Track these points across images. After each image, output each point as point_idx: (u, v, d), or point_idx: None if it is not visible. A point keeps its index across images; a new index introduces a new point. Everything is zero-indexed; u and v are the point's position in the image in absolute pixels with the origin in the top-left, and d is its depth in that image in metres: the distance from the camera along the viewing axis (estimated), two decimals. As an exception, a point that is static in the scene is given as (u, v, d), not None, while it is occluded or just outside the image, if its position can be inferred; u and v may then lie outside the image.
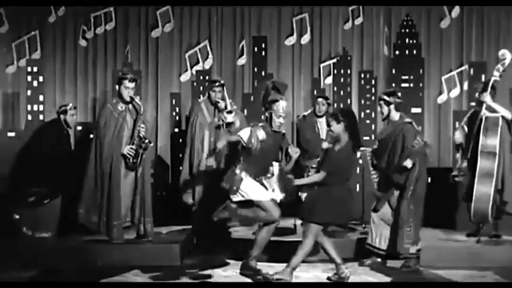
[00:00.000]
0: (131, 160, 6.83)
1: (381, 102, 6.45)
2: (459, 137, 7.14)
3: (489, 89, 6.69)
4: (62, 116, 7.54)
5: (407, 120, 6.44)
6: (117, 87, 7.03)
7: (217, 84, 7.67)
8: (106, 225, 6.84)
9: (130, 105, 6.98)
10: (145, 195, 6.97)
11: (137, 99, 6.99)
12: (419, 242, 6.40)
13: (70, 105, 7.69)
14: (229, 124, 7.48)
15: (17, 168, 7.71)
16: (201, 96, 8.47)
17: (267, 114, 6.13)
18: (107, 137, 6.84)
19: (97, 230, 6.91)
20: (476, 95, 7.23)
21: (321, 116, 8.28)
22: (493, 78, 6.72)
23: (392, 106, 6.40)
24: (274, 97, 6.08)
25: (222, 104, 7.53)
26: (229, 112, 7.48)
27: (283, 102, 6.09)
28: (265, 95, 6.17)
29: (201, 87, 9.43)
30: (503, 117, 6.78)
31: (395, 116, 6.41)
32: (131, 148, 6.83)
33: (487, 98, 6.70)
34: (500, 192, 6.87)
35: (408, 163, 6.21)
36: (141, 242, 6.94)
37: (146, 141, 6.87)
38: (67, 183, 7.35)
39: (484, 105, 6.75)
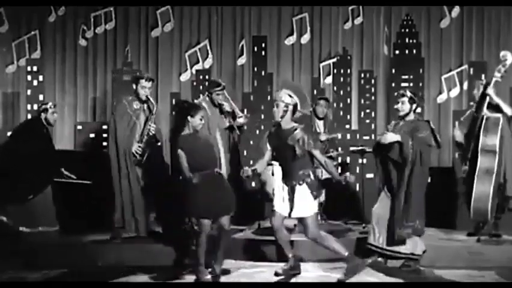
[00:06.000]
0: (137, 157, 6.94)
1: (405, 98, 6.43)
2: (459, 134, 7.16)
3: (492, 84, 6.68)
4: (43, 114, 7.54)
5: (425, 119, 6.49)
6: (133, 86, 7.04)
7: (221, 87, 7.63)
8: (134, 221, 6.99)
9: (145, 105, 7.05)
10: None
11: (152, 98, 7.07)
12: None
13: (50, 103, 7.67)
14: (240, 127, 7.59)
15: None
16: (201, 96, 8.14)
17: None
18: (120, 133, 6.94)
19: (128, 229, 7.02)
20: (474, 92, 7.24)
21: (321, 118, 8.28)
22: (494, 79, 6.72)
23: (414, 106, 6.44)
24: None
25: (226, 106, 7.52)
26: (240, 116, 7.55)
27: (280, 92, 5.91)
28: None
29: (201, 87, 9.44)
30: (503, 114, 6.79)
31: (412, 116, 6.45)
32: (139, 146, 6.94)
33: (491, 90, 6.69)
34: (503, 188, 6.87)
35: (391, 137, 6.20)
36: (140, 242, 6.98)
37: (153, 140, 7.00)
38: (51, 178, 7.45)
39: (486, 102, 6.73)
